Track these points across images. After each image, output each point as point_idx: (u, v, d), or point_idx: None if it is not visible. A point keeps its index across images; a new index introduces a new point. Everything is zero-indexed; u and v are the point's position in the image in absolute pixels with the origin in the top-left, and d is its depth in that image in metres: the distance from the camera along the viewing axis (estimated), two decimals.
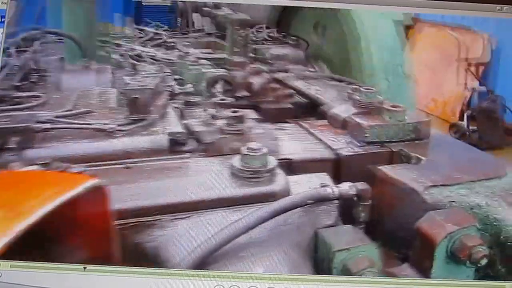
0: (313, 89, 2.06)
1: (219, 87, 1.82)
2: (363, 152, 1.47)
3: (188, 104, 1.72)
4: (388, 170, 1.33)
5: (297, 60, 2.87)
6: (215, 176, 1.18)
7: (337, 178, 1.40)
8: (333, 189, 1.12)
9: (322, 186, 1.14)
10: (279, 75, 2.06)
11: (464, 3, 1.26)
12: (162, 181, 1.15)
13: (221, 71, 1.82)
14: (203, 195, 1.10)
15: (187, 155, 1.30)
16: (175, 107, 1.60)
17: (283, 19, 3.55)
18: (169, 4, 4.96)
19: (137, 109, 1.35)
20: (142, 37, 2.73)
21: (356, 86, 1.91)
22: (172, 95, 1.68)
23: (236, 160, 1.18)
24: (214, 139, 1.37)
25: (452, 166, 1.37)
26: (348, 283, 0.93)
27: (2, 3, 1.28)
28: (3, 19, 1.29)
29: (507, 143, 1.80)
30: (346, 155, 1.44)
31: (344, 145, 1.52)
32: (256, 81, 1.97)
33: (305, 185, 1.20)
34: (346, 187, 1.12)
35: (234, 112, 1.44)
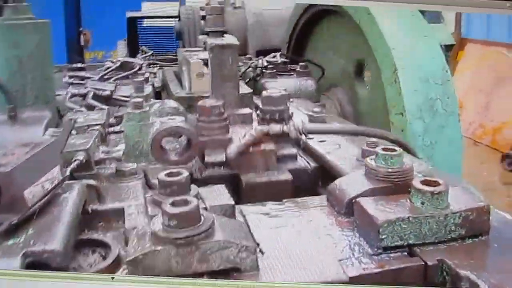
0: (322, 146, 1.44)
1: (171, 147, 1.26)
2: (376, 270, 0.87)
3: (118, 174, 1.17)
4: None
5: (305, 94, 2.29)
6: None
7: None
8: None
9: None
10: (274, 128, 1.38)
11: (473, 0, 1.19)
12: None
13: (177, 120, 1.26)
14: None
15: None
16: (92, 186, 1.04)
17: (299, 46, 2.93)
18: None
19: None
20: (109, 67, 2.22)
21: (374, 141, 1.32)
22: (83, 166, 1.12)
23: None
24: (141, 253, 0.80)
25: None
26: None
27: None
28: None
29: None
30: (346, 278, 0.84)
31: (346, 253, 0.93)
32: (236, 143, 1.33)
33: None
34: None
35: (182, 203, 0.84)
